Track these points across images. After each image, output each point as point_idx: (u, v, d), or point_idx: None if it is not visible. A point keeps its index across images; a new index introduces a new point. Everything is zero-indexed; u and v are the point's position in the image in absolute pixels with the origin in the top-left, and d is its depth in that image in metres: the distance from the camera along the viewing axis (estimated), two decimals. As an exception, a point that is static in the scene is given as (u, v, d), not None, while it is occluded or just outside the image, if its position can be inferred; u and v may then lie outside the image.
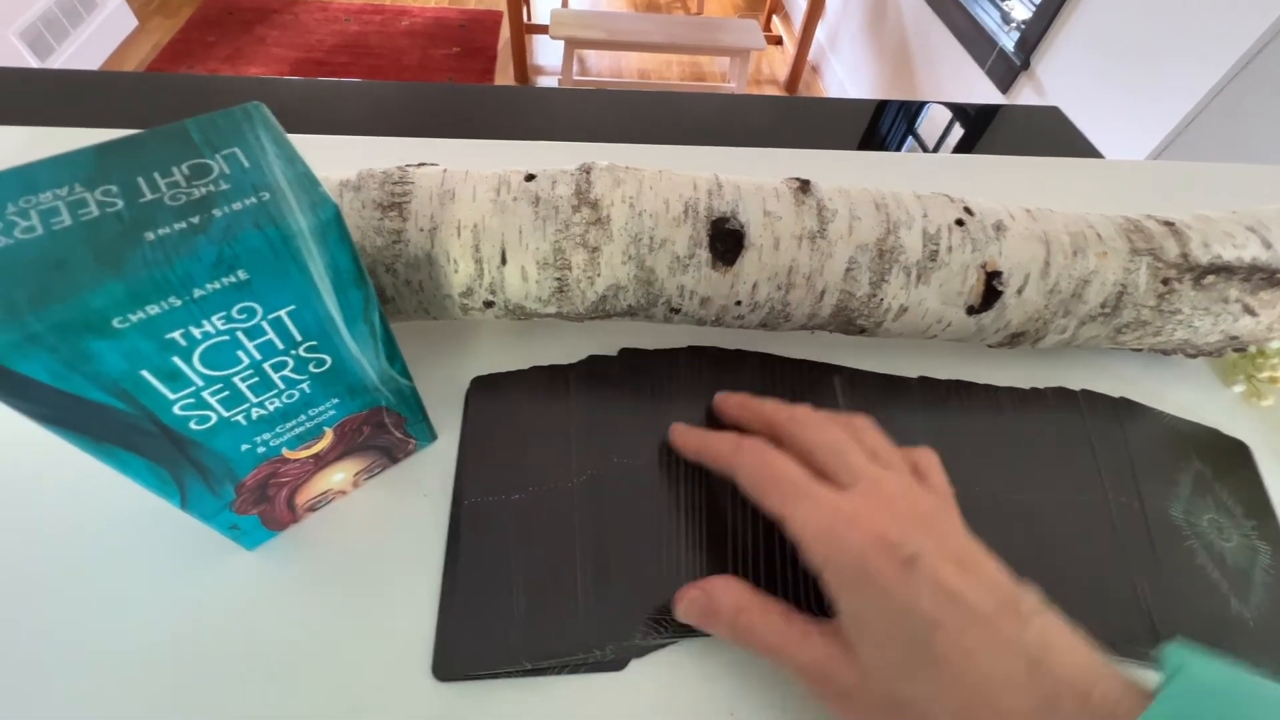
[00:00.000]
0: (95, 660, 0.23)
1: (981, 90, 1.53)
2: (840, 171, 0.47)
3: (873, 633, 0.20)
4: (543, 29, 1.91)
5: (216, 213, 0.16)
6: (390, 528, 0.27)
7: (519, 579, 0.25)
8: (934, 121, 0.65)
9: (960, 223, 0.29)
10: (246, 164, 0.17)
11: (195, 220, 0.16)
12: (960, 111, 0.65)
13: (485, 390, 0.31)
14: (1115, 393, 0.33)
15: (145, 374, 0.16)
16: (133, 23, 2.14)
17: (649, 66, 2.30)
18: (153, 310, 0.15)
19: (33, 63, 1.80)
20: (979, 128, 0.64)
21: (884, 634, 0.20)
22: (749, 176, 0.29)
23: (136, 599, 0.24)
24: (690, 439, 0.28)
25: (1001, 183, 0.47)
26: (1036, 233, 0.29)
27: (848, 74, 2.18)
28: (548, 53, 2.25)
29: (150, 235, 0.15)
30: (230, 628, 0.24)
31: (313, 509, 0.26)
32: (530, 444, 0.29)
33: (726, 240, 0.27)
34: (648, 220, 0.27)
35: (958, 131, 0.63)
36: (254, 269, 0.16)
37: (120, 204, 0.16)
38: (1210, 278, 0.30)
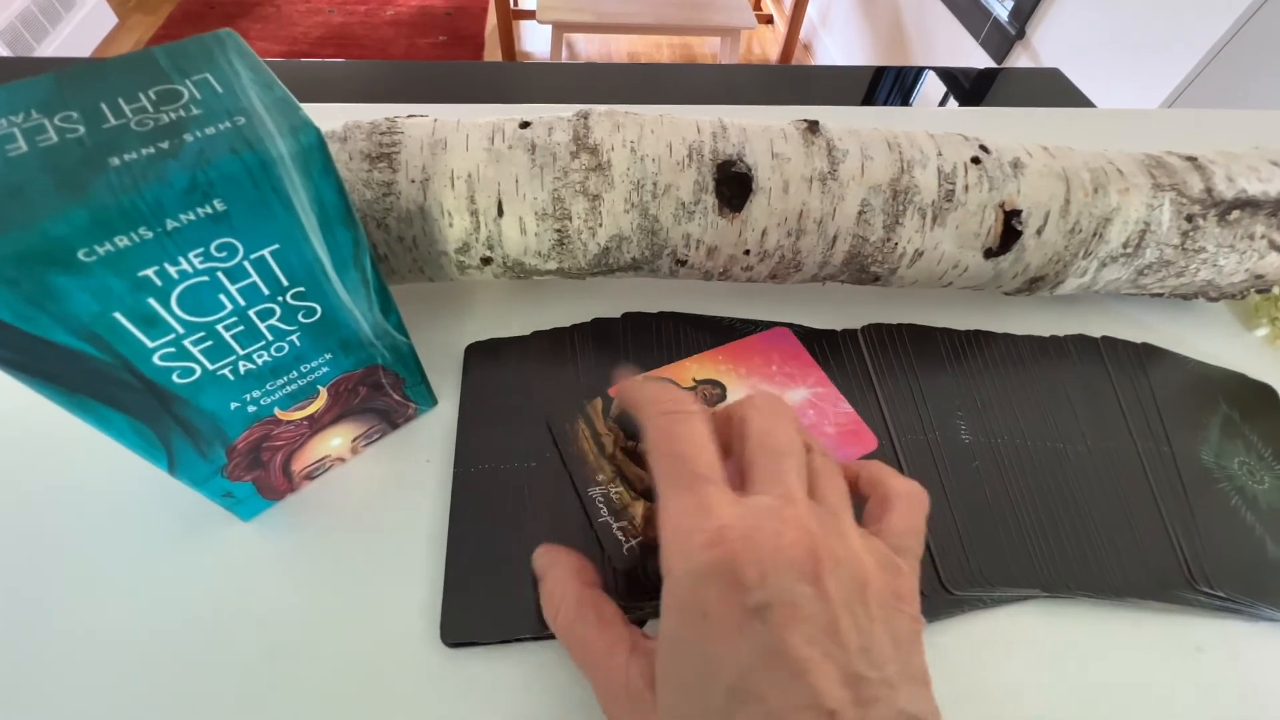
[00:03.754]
0: (88, 645, 0.22)
1: (976, 61, 1.51)
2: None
3: (680, 676, 0.16)
4: (529, 14, 1.88)
5: (188, 137, 0.15)
6: (392, 495, 0.26)
7: (529, 543, 0.24)
8: (932, 87, 0.63)
9: (976, 160, 0.27)
10: (219, 89, 0.16)
11: (165, 145, 0.14)
12: (957, 77, 0.63)
13: (484, 356, 0.30)
14: (1136, 339, 0.32)
15: (119, 317, 0.15)
16: (112, 20, 2.10)
17: (638, 49, 2.27)
18: (122, 242, 0.14)
19: (12, 63, 1.76)
20: (978, 92, 0.62)
21: (691, 684, 0.16)
22: (753, 119, 0.28)
23: (129, 577, 0.23)
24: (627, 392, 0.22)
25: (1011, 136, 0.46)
26: (1055, 169, 0.28)
27: (840, 51, 2.16)
28: (536, 39, 2.22)
29: (115, 160, 0.14)
30: (230, 604, 0.23)
31: (310, 477, 0.25)
32: (535, 411, 0.28)
33: (733, 184, 0.26)
34: (650, 165, 0.26)
35: (957, 99, 0.62)
36: (232, 199, 0.15)
37: (82, 130, 0.14)
38: (1235, 213, 0.29)
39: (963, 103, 0.61)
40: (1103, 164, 0.29)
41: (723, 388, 0.29)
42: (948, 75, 0.64)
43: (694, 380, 0.29)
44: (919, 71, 0.65)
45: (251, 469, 0.22)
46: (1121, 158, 0.29)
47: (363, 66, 0.58)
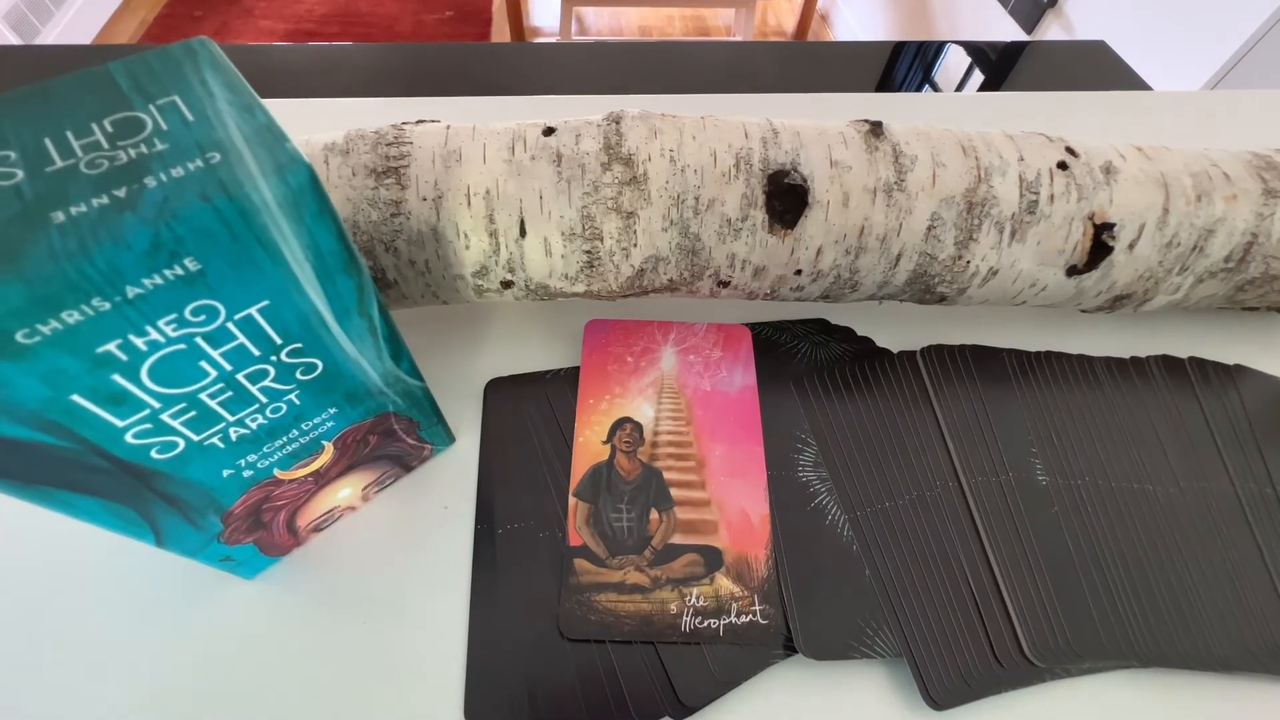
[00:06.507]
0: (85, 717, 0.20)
1: (1004, 31, 1.43)
2: (906, 117, 0.41)
3: None
4: (539, -13, 1.81)
5: (149, 181, 0.12)
6: (408, 545, 0.23)
7: (560, 614, 0.22)
8: (959, 65, 0.59)
9: (1063, 166, 0.24)
10: (190, 116, 0.13)
11: (120, 193, 0.12)
12: (985, 52, 0.59)
13: (505, 396, 0.27)
14: (1224, 358, 0.29)
15: (78, 399, 0.13)
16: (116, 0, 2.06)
17: (650, 22, 2.19)
18: (71, 318, 0.11)
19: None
20: (1011, 68, 0.57)
21: None
22: (808, 120, 0.25)
23: (126, 646, 0.21)
24: None
25: (1066, 122, 0.42)
26: (1153, 174, 0.24)
27: (859, 21, 2.07)
28: (544, 12, 2.15)
29: (59, 216, 0.11)
30: (234, 668, 0.21)
31: (318, 529, 0.23)
32: (557, 472, 0.25)
33: (786, 198, 0.23)
34: (691, 177, 0.23)
35: (984, 77, 0.57)
36: (206, 256, 0.12)
37: (20, 174, 0.12)
38: (1356, 221, 0.25)
39: (992, 80, 0.56)
40: (1205, 167, 0.25)
41: (639, 426, 0.25)
42: (980, 49, 0.59)
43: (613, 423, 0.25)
44: (940, 46, 0.60)
45: (252, 531, 0.20)
46: (1226, 159, 0.26)
47: (369, 51, 0.54)
